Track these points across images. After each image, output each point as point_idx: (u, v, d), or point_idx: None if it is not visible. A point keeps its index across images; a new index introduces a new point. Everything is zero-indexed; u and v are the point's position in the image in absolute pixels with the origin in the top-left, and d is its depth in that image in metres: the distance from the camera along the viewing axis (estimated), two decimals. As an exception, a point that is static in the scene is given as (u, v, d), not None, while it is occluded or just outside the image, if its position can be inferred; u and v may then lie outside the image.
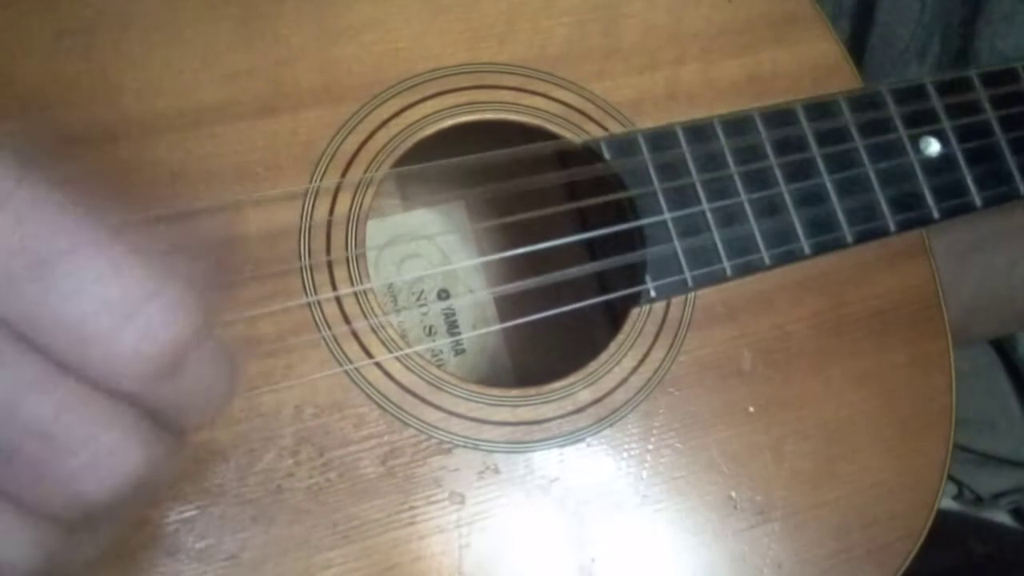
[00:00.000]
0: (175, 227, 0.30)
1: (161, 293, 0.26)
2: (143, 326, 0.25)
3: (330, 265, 0.44)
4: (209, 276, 0.28)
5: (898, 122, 0.53)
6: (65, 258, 0.25)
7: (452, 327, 0.56)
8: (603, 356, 0.47)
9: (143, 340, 0.25)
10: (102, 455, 0.26)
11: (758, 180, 0.50)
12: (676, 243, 0.48)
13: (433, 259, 0.57)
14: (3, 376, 0.25)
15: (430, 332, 0.56)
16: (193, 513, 0.40)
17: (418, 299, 0.56)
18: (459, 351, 0.56)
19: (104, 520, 0.28)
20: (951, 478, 0.79)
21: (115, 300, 0.25)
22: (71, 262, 0.25)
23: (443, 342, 0.56)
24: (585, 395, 0.46)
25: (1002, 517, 0.80)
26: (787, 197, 0.50)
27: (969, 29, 0.74)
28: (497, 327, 0.56)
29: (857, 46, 0.77)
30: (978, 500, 0.79)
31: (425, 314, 0.56)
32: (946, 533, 0.49)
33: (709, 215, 0.49)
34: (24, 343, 0.25)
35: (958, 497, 0.81)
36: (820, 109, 0.52)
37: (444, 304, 0.56)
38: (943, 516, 0.49)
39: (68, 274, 0.25)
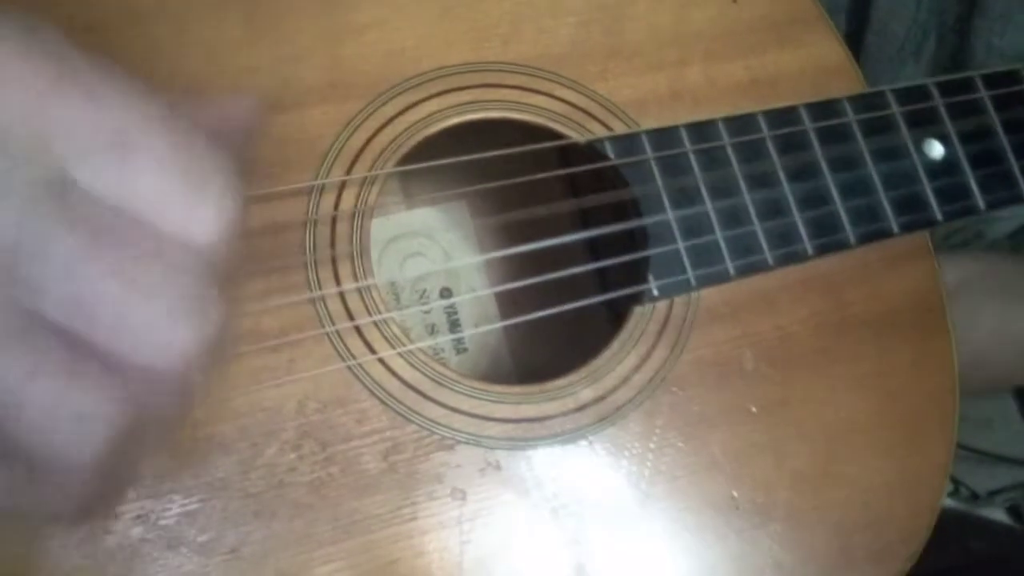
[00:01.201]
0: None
1: (222, 162, 0.27)
2: (216, 193, 0.27)
3: (334, 261, 0.45)
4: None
5: (901, 123, 0.53)
6: (139, 136, 0.26)
7: (454, 325, 0.57)
8: (605, 354, 0.47)
9: (218, 206, 0.27)
10: (179, 313, 0.26)
11: (761, 180, 0.50)
12: (679, 243, 0.48)
13: (436, 257, 0.57)
14: (83, 238, 0.25)
15: (432, 330, 0.56)
16: (195, 506, 0.40)
17: (420, 297, 0.56)
18: (461, 349, 0.57)
19: (177, 390, 0.28)
20: (947, 475, 0.79)
21: (191, 170, 0.26)
22: (145, 139, 0.26)
23: (445, 340, 0.56)
24: (587, 393, 0.46)
25: (999, 514, 0.80)
26: (790, 198, 0.50)
27: (965, 27, 0.74)
28: (499, 325, 0.56)
29: (853, 43, 0.77)
30: (975, 497, 0.79)
31: (427, 312, 0.56)
32: (944, 532, 0.49)
33: (712, 215, 0.49)
34: (101, 217, 0.26)
35: (955, 494, 0.81)
36: (823, 110, 0.52)
37: (446, 302, 0.57)
38: (941, 515, 0.49)
39: (144, 150, 0.26)
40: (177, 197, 0.26)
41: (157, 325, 0.26)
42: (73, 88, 0.25)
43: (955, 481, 0.80)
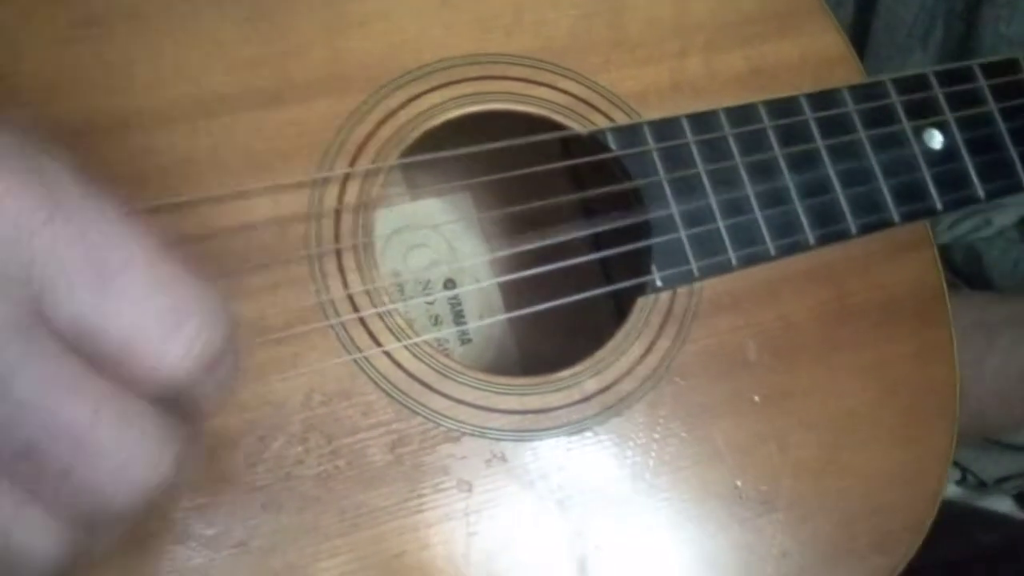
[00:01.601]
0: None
1: (203, 302, 0.28)
2: (192, 333, 0.27)
3: (339, 253, 0.45)
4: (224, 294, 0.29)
5: (901, 113, 0.53)
6: (123, 270, 0.26)
7: (458, 316, 0.57)
8: (609, 345, 0.47)
9: (190, 346, 0.27)
10: (131, 462, 0.26)
11: (763, 171, 0.50)
12: (682, 233, 0.48)
13: (439, 249, 0.57)
14: (43, 377, 0.25)
15: (436, 321, 0.56)
16: (202, 500, 0.40)
17: (424, 288, 0.56)
18: (465, 340, 0.57)
19: (125, 519, 0.29)
20: (955, 463, 0.79)
21: (166, 309, 0.27)
22: (128, 274, 0.26)
23: (449, 331, 0.56)
24: (592, 384, 0.46)
25: (1006, 502, 0.81)
26: (792, 188, 0.50)
27: (972, 14, 0.74)
28: (503, 317, 0.57)
29: (860, 31, 0.77)
30: (982, 485, 0.80)
31: (431, 303, 0.56)
32: (952, 523, 0.50)
33: (715, 205, 0.49)
34: (64, 345, 0.26)
35: (962, 482, 0.81)
36: (824, 100, 0.52)
37: (450, 293, 0.57)
38: (948, 506, 0.50)
39: (124, 285, 0.26)
40: (150, 332, 0.27)
41: (99, 485, 0.26)
42: (64, 228, 0.26)
43: (963, 469, 0.81)
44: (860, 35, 0.77)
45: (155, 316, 0.27)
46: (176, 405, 0.28)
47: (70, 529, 0.27)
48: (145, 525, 0.39)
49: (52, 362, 0.25)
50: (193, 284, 0.28)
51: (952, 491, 0.80)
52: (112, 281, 0.26)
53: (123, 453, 0.26)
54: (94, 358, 0.26)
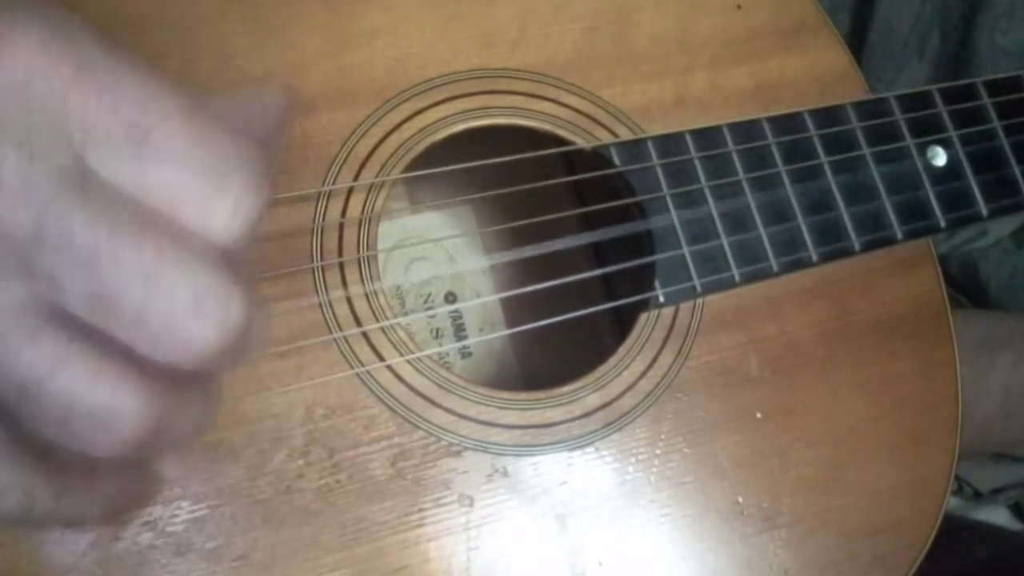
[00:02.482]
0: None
1: (245, 158, 0.27)
2: (236, 190, 0.26)
3: (342, 267, 0.45)
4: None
5: (904, 130, 0.53)
6: (159, 126, 0.25)
7: (459, 330, 0.57)
8: (612, 361, 0.47)
9: (238, 201, 0.26)
10: (206, 295, 0.26)
11: (766, 187, 0.50)
12: (685, 249, 0.48)
13: (440, 262, 0.57)
14: (103, 224, 0.25)
15: (437, 335, 0.56)
16: (203, 512, 0.40)
17: (425, 302, 0.56)
18: (466, 354, 0.57)
19: (203, 381, 0.28)
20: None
21: (209, 163, 0.26)
22: (166, 129, 0.26)
23: (451, 346, 0.56)
24: (593, 399, 0.46)
25: (1002, 512, 0.80)
26: (795, 204, 0.50)
27: (969, 25, 0.74)
28: (504, 333, 0.57)
29: (857, 41, 0.77)
30: (977, 495, 0.79)
31: (432, 317, 0.56)
32: (949, 537, 0.50)
33: (718, 221, 0.49)
34: (120, 204, 0.25)
35: (958, 493, 0.81)
36: (827, 116, 0.52)
37: (451, 307, 0.57)
38: (945, 519, 0.50)
39: (164, 140, 0.25)
40: (195, 190, 0.26)
41: (176, 320, 0.25)
42: (93, 81, 0.25)
43: (958, 479, 0.80)
44: (856, 45, 0.77)
45: (200, 172, 0.26)
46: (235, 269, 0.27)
47: (151, 385, 0.26)
48: (145, 537, 0.39)
49: (109, 211, 0.25)
50: (231, 139, 0.27)
51: (948, 502, 0.80)
52: (150, 137, 0.25)
53: (193, 288, 0.25)
54: (148, 219, 0.25)
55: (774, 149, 0.51)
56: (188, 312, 0.25)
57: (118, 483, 0.29)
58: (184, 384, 0.27)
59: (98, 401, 0.25)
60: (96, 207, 0.25)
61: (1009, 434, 0.69)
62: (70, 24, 0.26)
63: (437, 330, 0.56)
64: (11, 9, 0.25)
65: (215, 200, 0.26)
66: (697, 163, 0.50)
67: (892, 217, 0.51)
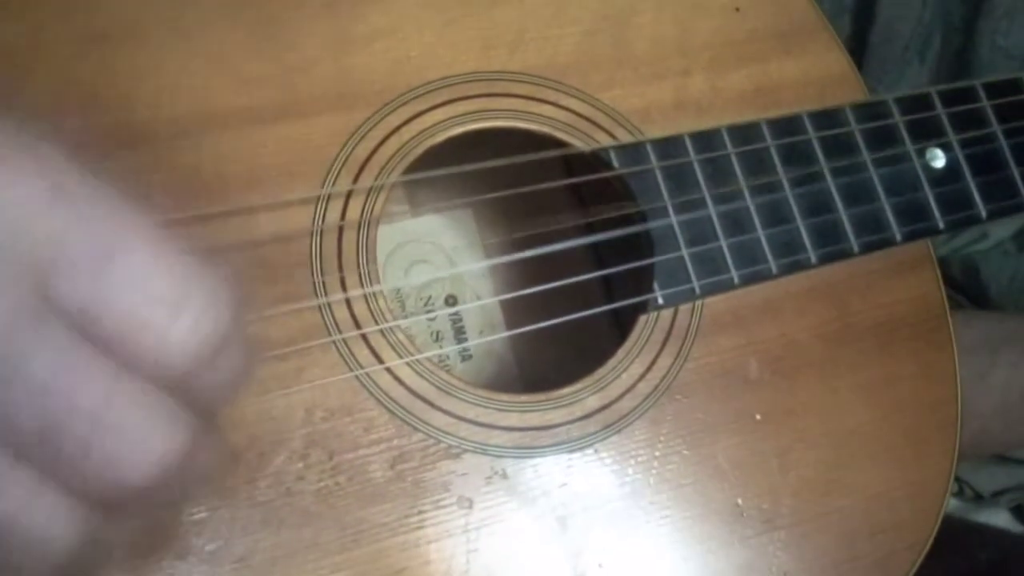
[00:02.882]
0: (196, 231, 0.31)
1: (205, 286, 0.27)
2: (193, 317, 0.27)
3: (341, 270, 0.45)
4: (234, 276, 0.29)
5: (903, 132, 0.53)
6: (123, 252, 0.26)
7: (459, 333, 0.57)
8: (611, 363, 0.47)
9: (192, 330, 0.27)
10: (146, 437, 0.26)
11: (765, 189, 0.50)
12: (684, 251, 0.48)
13: (441, 265, 0.57)
14: (57, 359, 0.25)
15: (437, 338, 0.56)
16: (203, 515, 0.40)
17: (425, 305, 0.57)
18: (466, 357, 0.57)
19: (139, 508, 0.29)
20: (951, 476, 0.79)
21: (166, 292, 0.27)
22: (129, 256, 0.26)
23: (450, 348, 0.56)
24: (593, 401, 0.47)
25: (1003, 515, 0.80)
26: (794, 206, 0.50)
27: (970, 27, 0.74)
28: (504, 335, 0.57)
29: (858, 43, 0.77)
30: (978, 497, 0.79)
31: (432, 320, 0.56)
32: (950, 540, 0.50)
33: (717, 223, 0.49)
34: (76, 331, 0.26)
35: (959, 495, 0.81)
36: (827, 118, 0.52)
37: (451, 310, 0.57)
38: (946, 521, 0.50)
39: (125, 267, 0.26)
40: (151, 317, 0.26)
41: (113, 460, 0.26)
42: (65, 205, 0.26)
43: (959, 481, 0.81)
44: (858, 48, 0.77)
45: (156, 298, 0.26)
46: (190, 395, 0.28)
47: (86, 511, 0.27)
48: (145, 540, 0.40)
49: (64, 345, 0.25)
50: (194, 266, 0.27)
51: (949, 504, 0.80)
52: (112, 263, 0.26)
53: (138, 428, 0.26)
54: (101, 341, 0.26)
55: (773, 151, 0.51)
56: (126, 451, 0.26)
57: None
58: (112, 511, 0.28)
59: (33, 525, 0.26)
60: (52, 342, 0.25)
61: (1009, 435, 0.69)
62: (46, 150, 0.26)
63: (437, 332, 0.57)
64: None
65: (169, 325, 0.27)
66: (696, 165, 0.50)
67: (891, 219, 0.51)
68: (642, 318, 0.48)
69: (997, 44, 0.74)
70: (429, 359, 0.45)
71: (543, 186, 0.49)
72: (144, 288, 0.26)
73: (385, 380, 0.44)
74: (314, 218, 0.45)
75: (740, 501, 0.47)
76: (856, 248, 0.51)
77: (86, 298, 0.26)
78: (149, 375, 0.27)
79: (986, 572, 0.68)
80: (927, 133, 0.53)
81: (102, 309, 0.26)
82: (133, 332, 0.26)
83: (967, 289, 0.83)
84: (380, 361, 0.44)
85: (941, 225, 0.52)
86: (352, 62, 0.48)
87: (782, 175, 0.51)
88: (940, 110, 0.54)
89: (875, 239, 0.51)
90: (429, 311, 0.57)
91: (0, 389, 0.25)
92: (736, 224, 0.49)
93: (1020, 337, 0.69)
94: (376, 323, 0.44)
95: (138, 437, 0.26)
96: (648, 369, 0.48)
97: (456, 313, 0.57)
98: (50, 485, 0.26)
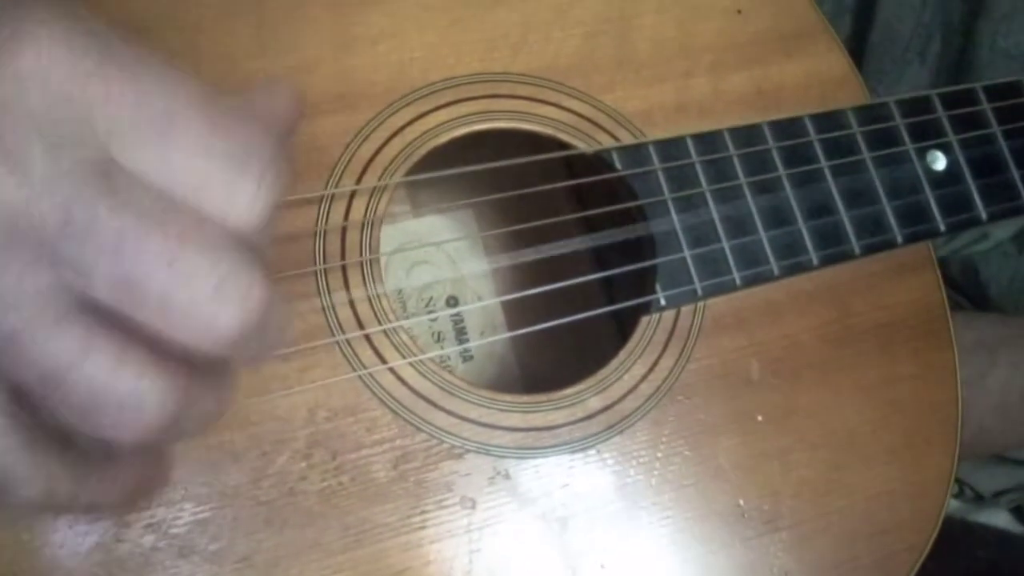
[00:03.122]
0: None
1: (264, 144, 0.27)
2: (256, 175, 0.27)
3: (344, 270, 0.45)
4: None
5: (904, 135, 0.53)
6: (180, 115, 0.26)
7: (460, 333, 0.57)
8: (613, 363, 0.47)
9: (259, 188, 0.27)
10: (230, 277, 0.26)
11: (767, 190, 0.50)
12: (686, 253, 0.49)
13: (442, 266, 0.57)
14: (128, 213, 0.25)
15: (439, 338, 0.56)
16: (207, 514, 0.41)
17: (427, 305, 0.57)
18: (467, 357, 0.57)
19: (229, 352, 0.28)
20: (951, 476, 0.79)
21: (229, 153, 0.26)
22: (186, 119, 0.26)
23: (452, 349, 0.57)
24: (595, 402, 0.47)
25: (1003, 515, 0.80)
26: (795, 208, 0.50)
27: (970, 27, 0.75)
28: (505, 336, 0.57)
29: (858, 44, 0.77)
30: (979, 498, 0.80)
31: (434, 320, 0.56)
32: (950, 541, 0.50)
33: (718, 225, 0.49)
34: (142, 185, 0.26)
35: (959, 495, 0.81)
36: (828, 120, 0.52)
37: (453, 311, 0.57)
38: (946, 522, 0.50)
39: (185, 130, 0.26)
40: (217, 175, 0.26)
41: (199, 305, 0.26)
42: (115, 71, 0.26)
43: (960, 482, 0.81)
44: (858, 49, 0.77)
45: (221, 157, 0.26)
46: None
47: (174, 372, 0.26)
48: (147, 539, 0.40)
49: (133, 199, 0.25)
50: (250, 126, 0.27)
51: (949, 505, 0.80)
52: (172, 125, 0.26)
53: (216, 273, 0.26)
54: (171, 206, 0.26)
55: (775, 153, 0.51)
56: (211, 296, 0.26)
57: (135, 469, 0.29)
58: (206, 372, 0.28)
59: (122, 388, 0.26)
60: (121, 195, 0.25)
61: (1008, 436, 0.70)
62: (89, 18, 0.26)
63: (438, 333, 0.57)
64: (31, 5, 0.25)
65: (237, 184, 0.27)
66: (698, 167, 0.50)
67: (892, 221, 0.52)
68: (644, 319, 0.48)
69: (997, 45, 0.74)
70: (432, 359, 0.45)
71: (545, 187, 0.49)
72: (207, 149, 0.26)
73: (388, 380, 0.44)
74: (317, 218, 0.45)
75: (741, 502, 0.47)
76: (857, 250, 0.51)
77: (150, 161, 0.26)
78: (220, 235, 0.26)
79: (986, 572, 0.68)
80: (928, 135, 0.53)
81: (168, 170, 0.26)
82: (202, 191, 0.26)
83: (967, 290, 0.83)
84: (383, 361, 0.44)
85: (942, 227, 0.52)
86: (355, 63, 0.48)
87: (784, 176, 0.51)
88: (941, 113, 0.54)
89: (876, 241, 0.51)
90: (431, 312, 0.57)
91: (76, 244, 0.25)
92: (738, 226, 0.50)
93: (1019, 338, 0.69)
94: (379, 323, 0.44)
95: (219, 279, 0.26)
96: (650, 370, 0.48)
97: (457, 314, 0.57)
98: (137, 346, 0.26)
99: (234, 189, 0.26)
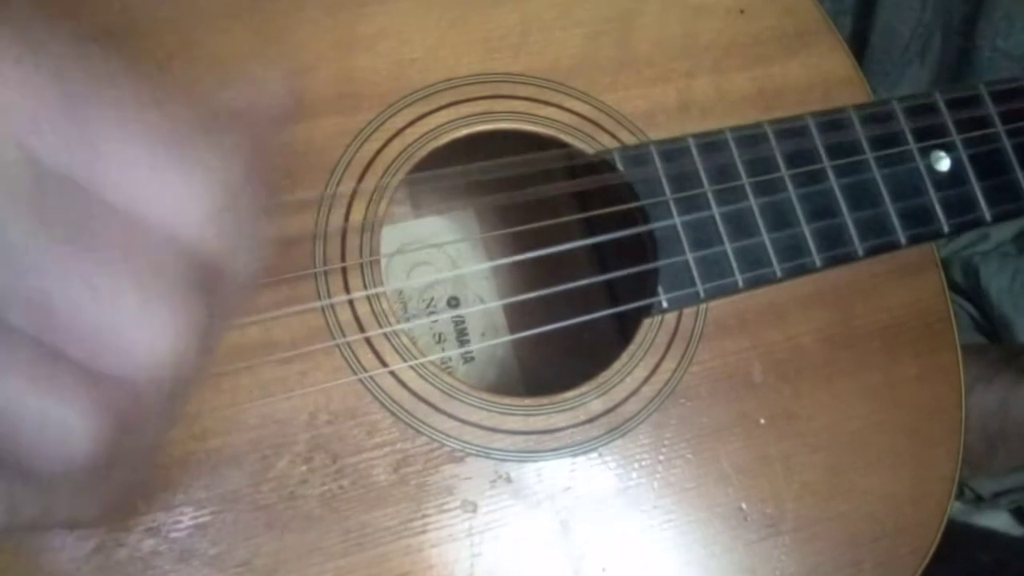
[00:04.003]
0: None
1: (212, 160, 0.25)
2: (203, 186, 0.24)
3: (344, 272, 0.44)
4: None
5: (908, 136, 0.53)
6: (108, 122, 0.24)
7: (462, 335, 0.57)
8: (615, 366, 0.47)
9: (203, 202, 0.24)
10: (155, 305, 0.24)
11: (769, 192, 0.50)
12: (688, 255, 0.48)
13: (443, 267, 0.57)
14: (57, 234, 0.23)
15: (439, 340, 0.56)
16: (207, 518, 0.40)
17: (428, 307, 0.56)
18: (468, 359, 0.57)
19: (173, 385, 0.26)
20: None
21: (169, 165, 0.24)
22: (117, 118, 0.24)
23: (453, 351, 0.56)
24: (597, 405, 0.46)
25: (1003, 516, 0.80)
26: (798, 210, 0.50)
27: (970, 28, 0.74)
28: (507, 339, 0.56)
29: (858, 44, 0.77)
30: (979, 499, 0.79)
31: (435, 322, 0.56)
32: (951, 544, 0.49)
33: (721, 227, 0.49)
34: (75, 223, 0.23)
35: (960, 497, 0.81)
36: (831, 122, 0.52)
37: (454, 312, 0.57)
38: (948, 526, 0.49)
39: (118, 131, 0.24)
40: (153, 187, 0.24)
41: (117, 333, 0.23)
42: (35, 66, 0.23)
43: (960, 483, 0.80)
44: (858, 49, 0.77)
45: (162, 169, 0.24)
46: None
47: (107, 392, 0.24)
48: (151, 543, 0.39)
49: (55, 212, 0.23)
50: (208, 131, 0.25)
51: (951, 507, 0.79)
52: (102, 129, 0.23)
53: (140, 296, 0.23)
54: (100, 218, 0.23)
55: (777, 154, 0.51)
56: (133, 324, 0.24)
57: (106, 483, 0.27)
58: (138, 393, 0.25)
59: (38, 413, 0.23)
60: (37, 206, 0.23)
61: (994, 462, 0.69)
62: (15, 9, 0.24)
63: (439, 335, 0.56)
64: None
65: (179, 193, 0.24)
66: (701, 169, 0.50)
67: (895, 222, 0.51)
68: (646, 321, 0.48)
69: (997, 45, 0.74)
70: (432, 362, 0.45)
71: (546, 188, 0.49)
72: (149, 155, 0.24)
73: (388, 383, 0.44)
74: (317, 220, 0.45)
75: (744, 505, 0.47)
76: (860, 252, 0.51)
77: (78, 164, 0.23)
78: (150, 254, 0.24)
79: (986, 574, 0.68)
80: (931, 136, 0.53)
81: (100, 174, 0.23)
82: (136, 203, 0.24)
83: (967, 290, 0.83)
84: (384, 364, 0.44)
85: (945, 228, 0.52)
86: (355, 64, 0.47)
87: (786, 177, 0.51)
88: (944, 113, 0.54)
89: (879, 243, 0.51)
90: (431, 313, 0.56)
91: None
92: (740, 227, 0.49)
93: (995, 371, 0.68)
94: (380, 326, 0.44)
95: (142, 310, 0.23)
96: (652, 373, 0.47)
97: (459, 316, 0.57)
98: (62, 370, 0.23)
99: (173, 197, 0.24)
